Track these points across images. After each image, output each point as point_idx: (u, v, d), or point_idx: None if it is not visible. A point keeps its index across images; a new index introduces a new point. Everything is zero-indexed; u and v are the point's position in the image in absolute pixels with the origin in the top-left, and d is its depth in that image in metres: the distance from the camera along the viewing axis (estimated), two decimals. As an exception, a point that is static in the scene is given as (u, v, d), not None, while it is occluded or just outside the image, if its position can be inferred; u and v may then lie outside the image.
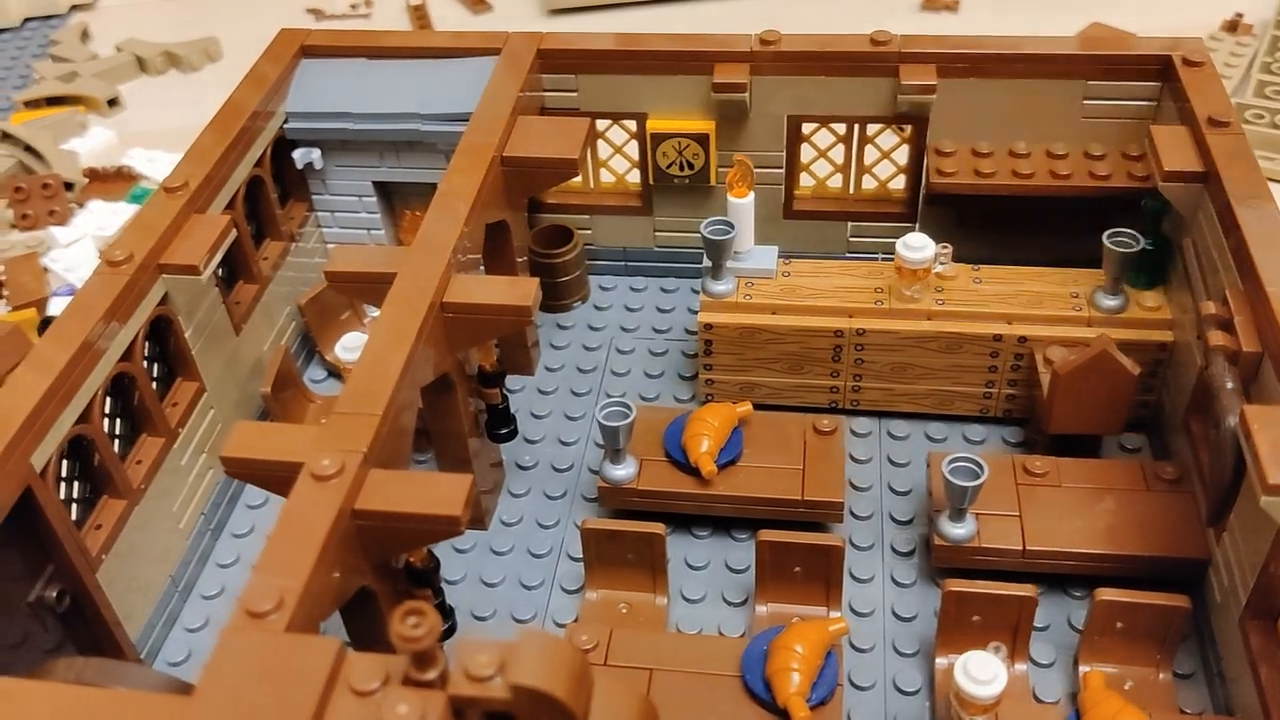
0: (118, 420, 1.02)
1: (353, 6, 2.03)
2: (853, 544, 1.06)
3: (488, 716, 0.66)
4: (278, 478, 0.83)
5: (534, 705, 0.63)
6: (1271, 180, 1.47)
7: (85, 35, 2.03)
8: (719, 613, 1.03)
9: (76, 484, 0.97)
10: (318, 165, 1.26)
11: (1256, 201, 0.97)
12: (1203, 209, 1.04)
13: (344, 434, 0.82)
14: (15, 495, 0.85)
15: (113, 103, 1.84)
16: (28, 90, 1.86)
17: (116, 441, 1.01)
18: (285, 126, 1.24)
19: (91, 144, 1.73)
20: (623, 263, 1.38)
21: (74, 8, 2.13)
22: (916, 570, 1.05)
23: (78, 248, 1.53)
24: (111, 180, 1.65)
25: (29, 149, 1.68)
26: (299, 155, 1.25)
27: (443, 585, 0.98)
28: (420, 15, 1.96)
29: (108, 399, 0.99)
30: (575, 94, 1.26)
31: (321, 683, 0.65)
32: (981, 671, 0.83)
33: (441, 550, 1.05)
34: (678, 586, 1.04)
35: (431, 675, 0.65)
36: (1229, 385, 0.88)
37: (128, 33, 1.99)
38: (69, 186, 1.62)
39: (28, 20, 2.10)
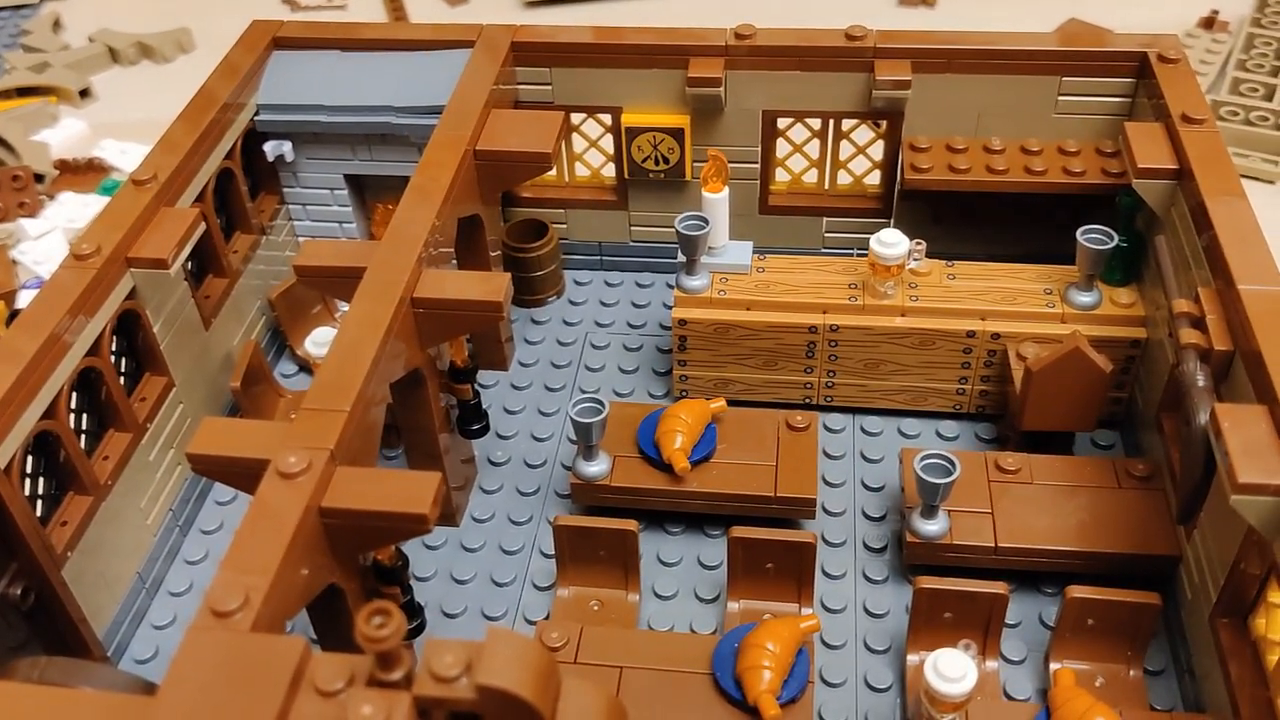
0: (84, 415, 1.01)
1: (328, -2, 2.02)
2: (825, 540, 1.06)
3: (454, 717, 0.65)
4: (244, 475, 0.82)
5: (500, 706, 0.62)
6: (1245, 177, 1.48)
7: (57, 25, 2.01)
8: (691, 609, 1.03)
9: (41, 480, 0.96)
10: (289, 158, 1.25)
11: (1229, 199, 0.97)
12: (1176, 206, 1.04)
13: (311, 431, 0.81)
14: (-22, 492, 0.84)
15: (84, 93, 1.82)
16: (-2, 80, 1.84)
17: (83, 437, 1.00)
18: (256, 119, 1.22)
19: (63, 135, 1.71)
20: (598, 257, 1.37)
21: (45, -3, 2.11)
22: (889, 567, 1.04)
23: (48, 240, 1.51)
24: (82, 172, 1.63)
25: (-1, 140, 1.67)
26: (270, 148, 1.24)
27: (412, 582, 0.97)
28: (396, 7, 1.95)
29: (74, 394, 0.97)
30: (549, 87, 1.25)
31: (286, 683, 0.64)
32: (951, 669, 0.83)
33: (412, 547, 1.05)
34: (650, 583, 1.04)
35: (397, 675, 0.64)
36: (1200, 383, 0.88)
37: (99, 23, 1.97)
38: (39, 178, 1.61)
39: (-1, 9, 2.08)
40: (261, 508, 0.76)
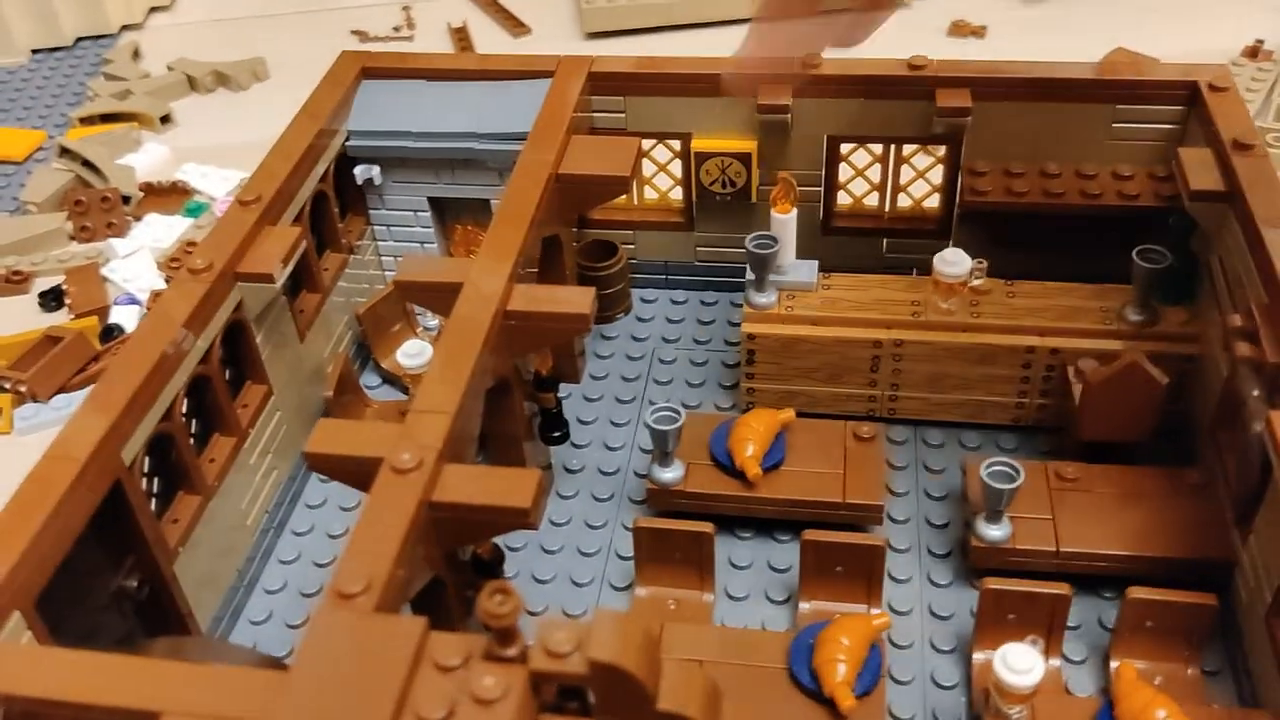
0: (193, 420, 1.07)
1: (395, 29, 2.09)
2: (891, 546, 1.10)
3: (562, 690, 0.71)
4: (356, 472, 0.88)
5: (609, 679, 0.68)
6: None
7: (136, 54, 2.09)
8: (763, 610, 1.07)
9: (156, 480, 1.02)
10: (377, 181, 1.32)
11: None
12: (1228, 227, 1.09)
13: (420, 431, 0.87)
14: (108, 486, 0.90)
15: (165, 120, 1.90)
16: (83, 107, 1.92)
17: (192, 440, 1.06)
18: (347, 144, 1.29)
19: (146, 159, 1.79)
20: (664, 276, 1.43)
21: (124, 28, 2.19)
22: (952, 571, 1.09)
23: (135, 259, 1.59)
24: (166, 194, 1.70)
25: (87, 163, 1.74)
26: (359, 171, 1.30)
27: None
28: (462, 38, 2.02)
29: (186, 399, 1.04)
30: (623, 114, 1.31)
31: (409, 659, 0.69)
32: (1020, 663, 0.88)
33: (499, 547, 1.10)
34: (722, 585, 1.09)
35: (513, 651, 0.69)
36: (1255, 393, 0.93)
37: (176, 52, 2.05)
38: (126, 200, 1.68)
39: (79, 39, 2.16)
40: (379, 501, 0.82)
